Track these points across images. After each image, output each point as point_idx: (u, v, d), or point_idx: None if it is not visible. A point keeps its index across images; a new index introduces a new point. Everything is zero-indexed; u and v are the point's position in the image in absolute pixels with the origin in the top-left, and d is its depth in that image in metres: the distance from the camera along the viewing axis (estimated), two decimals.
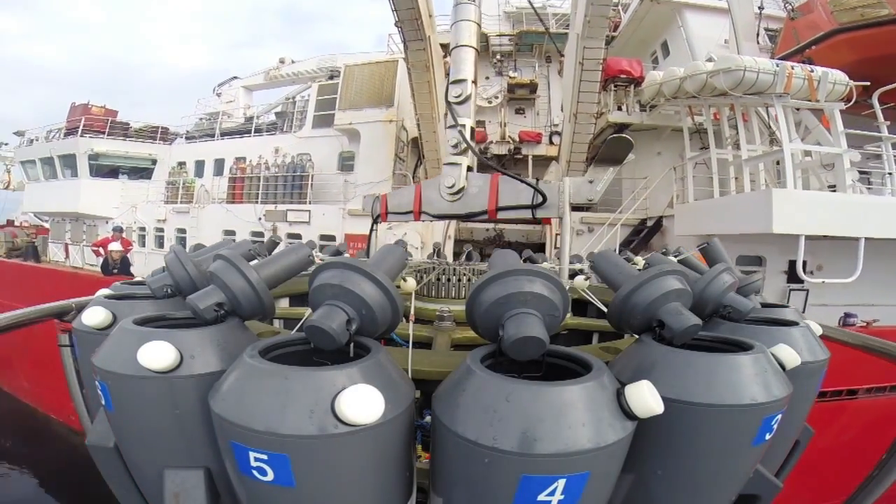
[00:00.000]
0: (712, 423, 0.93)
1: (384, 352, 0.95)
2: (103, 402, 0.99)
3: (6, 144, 23.89)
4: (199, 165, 16.40)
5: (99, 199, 15.78)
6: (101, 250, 10.78)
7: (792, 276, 7.73)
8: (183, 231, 14.13)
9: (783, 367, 1.05)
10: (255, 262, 1.38)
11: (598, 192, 2.29)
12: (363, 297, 1.01)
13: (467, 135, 2.34)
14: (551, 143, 13.03)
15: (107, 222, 14.77)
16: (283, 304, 2.67)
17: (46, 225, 18.65)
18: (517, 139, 13.05)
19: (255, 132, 15.96)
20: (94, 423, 1.27)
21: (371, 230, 2.84)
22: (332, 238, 11.47)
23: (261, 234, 12.07)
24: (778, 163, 7.66)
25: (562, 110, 11.48)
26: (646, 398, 0.80)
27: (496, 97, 14.13)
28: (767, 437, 0.97)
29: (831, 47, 8.76)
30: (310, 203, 12.15)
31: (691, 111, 9.65)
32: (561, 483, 0.75)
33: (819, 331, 1.40)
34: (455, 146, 2.37)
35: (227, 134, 16.73)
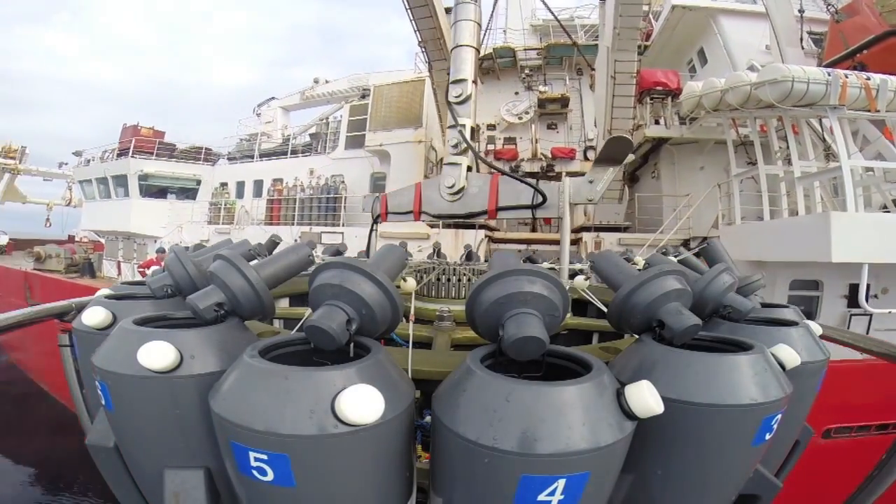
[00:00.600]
0: (712, 423, 0.93)
1: (384, 352, 0.95)
2: (103, 402, 0.99)
3: (66, 164, 25.71)
4: (240, 186, 17.21)
5: (148, 219, 16.57)
6: (147, 272, 10.93)
7: (853, 301, 7.04)
8: None
9: (783, 367, 1.05)
10: (255, 262, 1.38)
11: (598, 192, 2.29)
12: (363, 297, 1.00)
13: (467, 135, 2.35)
14: (586, 158, 12.58)
15: (155, 241, 15.24)
16: (283, 304, 2.67)
17: (103, 241, 19.50)
18: (550, 156, 12.77)
19: (291, 153, 16.69)
20: (94, 423, 1.27)
21: (371, 230, 2.84)
22: None
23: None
24: (835, 177, 6.93)
25: (595, 125, 10.97)
26: (646, 398, 0.80)
27: (526, 113, 13.76)
28: (767, 437, 0.97)
29: (886, 50, 7.94)
30: (343, 225, 12.28)
31: (735, 123, 8.92)
32: (561, 483, 0.75)
33: (819, 331, 1.40)
34: (455, 146, 2.37)
35: (265, 155, 17.51)
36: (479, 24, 2.52)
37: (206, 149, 19.06)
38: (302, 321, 1.05)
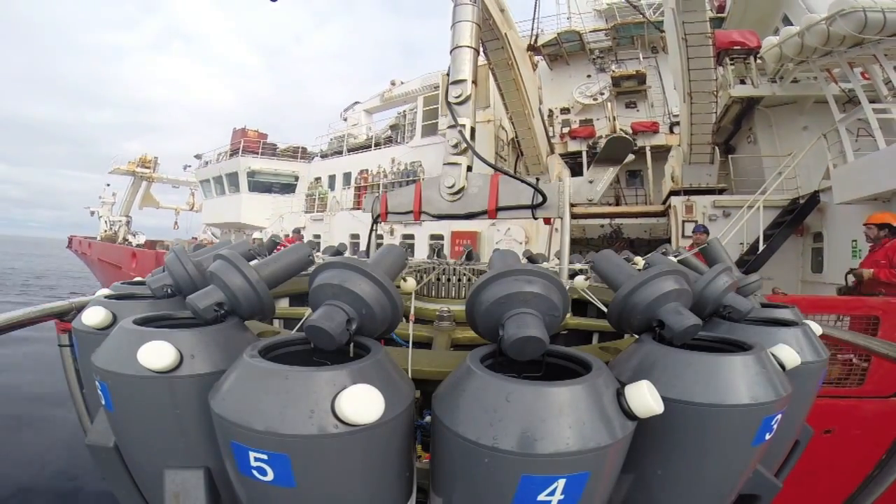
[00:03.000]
0: (712, 423, 0.93)
1: (384, 352, 0.95)
2: (103, 402, 0.99)
3: (189, 166, 29.21)
4: (332, 179, 19.36)
5: (256, 211, 19.16)
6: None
7: None
8: (318, 236, 16.38)
9: (783, 367, 1.05)
10: (255, 261, 1.38)
11: (599, 191, 2.29)
12: (363, 296, 1.00)
13: (467, 134, 2.35)
14: (672, 132, 11.95)
15: (260, 231, 17.38)
16: (283, 304, 2.67)
17: (216, 239, 22.04)
18: (631, 131, 12.24)
19: (374, 146, 18.66)
20: (93, 423, 1.27)
21: (371, 230, 2.84)
22: (441, 237, 12.36)
23: (380, 237, 13.18)
24: None
25: (675, 89, 10.29)
26: (645, 398, 0.80)
27: (601, 94, 13.46)
28: (767, 437, 0.97)
29: None
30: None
31: (832, 74, 8.22)
32: (561, 483, 0.75)
33: (819, 331, 1.40)
34: (455, 146, 2.37)
35: (352, 150, 19.79)
36: (479, 25, 2.52)
37: (302, 148, 21.83)
38: (302, 321, 1.05)
